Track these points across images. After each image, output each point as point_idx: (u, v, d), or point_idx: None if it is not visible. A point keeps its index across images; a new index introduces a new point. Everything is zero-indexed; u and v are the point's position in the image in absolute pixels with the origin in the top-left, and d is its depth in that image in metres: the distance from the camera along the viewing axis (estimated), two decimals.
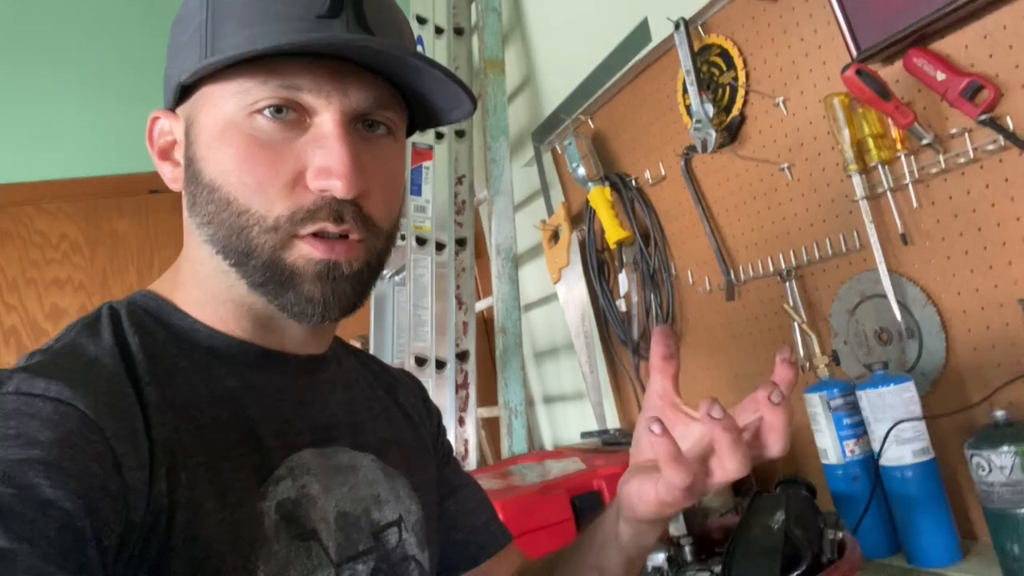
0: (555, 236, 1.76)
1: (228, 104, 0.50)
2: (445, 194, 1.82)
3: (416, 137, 1.78)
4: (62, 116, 2.08)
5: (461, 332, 1.81)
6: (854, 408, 0.99)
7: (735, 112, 1.20)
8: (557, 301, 1.86)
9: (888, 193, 0.99)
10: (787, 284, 1.16)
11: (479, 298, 1.99)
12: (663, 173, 1.41)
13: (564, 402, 2.08)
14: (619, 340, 1.61)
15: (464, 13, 1.93)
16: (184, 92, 0.53)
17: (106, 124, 2.10)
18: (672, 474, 0.50)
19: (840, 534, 0.72)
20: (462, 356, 1.79)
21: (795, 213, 1.15)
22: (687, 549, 0.84)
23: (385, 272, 2.00)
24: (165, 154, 0.56)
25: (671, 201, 1.41)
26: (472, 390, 1.78)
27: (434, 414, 0.74)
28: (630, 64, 1.39)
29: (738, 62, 1.18)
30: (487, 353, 2.23)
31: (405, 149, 0.58)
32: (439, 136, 1.83)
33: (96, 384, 0.45)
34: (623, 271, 1.54)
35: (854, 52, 0.95)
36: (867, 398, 0.95)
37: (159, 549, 0.44)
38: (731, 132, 1.22)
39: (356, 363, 0.68)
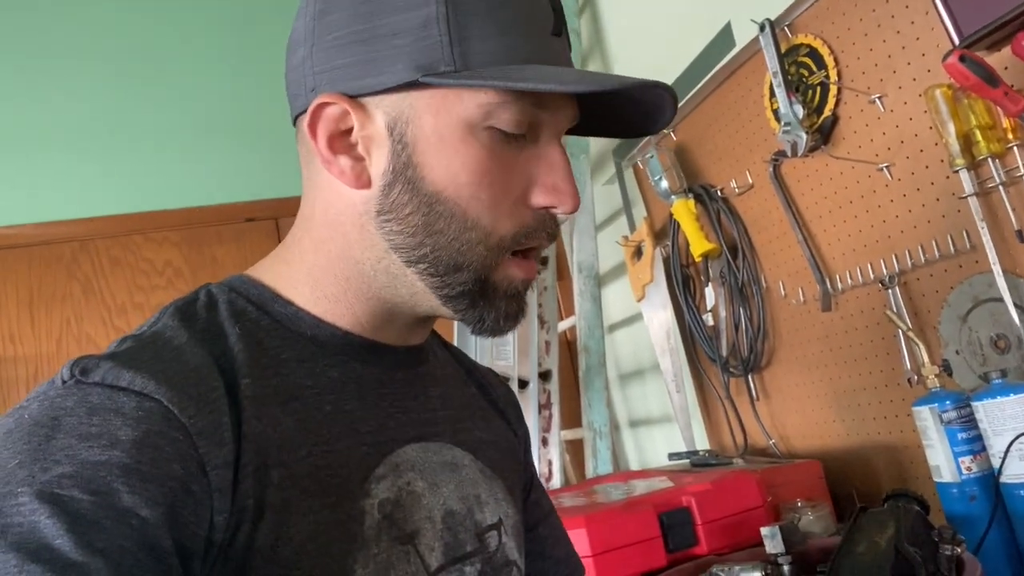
0: (638, 252, 1.72)
1: (470, 112, 0.47)
2: None
3: None
4: (167, 152, 2.23)
5: (543, 351, 1.79)
6: (970, 421, 0.91)
7: (827, 112, 1.15)
8: (642, 321, 1.82)
9: (1001, 188, 0.91)
10: (889, 291, 1.09)
11: (561, 318, 1.97)
12: (750, 182, 1.36)
13: (650, 425, 2.02)
14: (707, 357, 1.55)
15: None
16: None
17: (206, 158, 2.24)
18: None
19: (958, 550, 0.66)
20: (545, 376, 1.78)
21: (896, 215, 1.08)
22: (786, 568, 0.79)
23: None
24: (339, 145, 0.50)
25: (759, 210, 1.36)
26: (555, 410, 1.76)
27: (523, 426, 0.72)
28: (713, 71, 1.36)
29: (829, 60, 1.14)
30: (571, 374, 2.20)
31: None
32: None
33: (182, 375, 0.43)
34: (709, 285, 1.49)
35: (956, 39, 0.89)
36: (984, 409, 0.87)
37: (244, 550, 0.42)
38: (823, 134, 1.17)
39: (449, 356, 0.66)
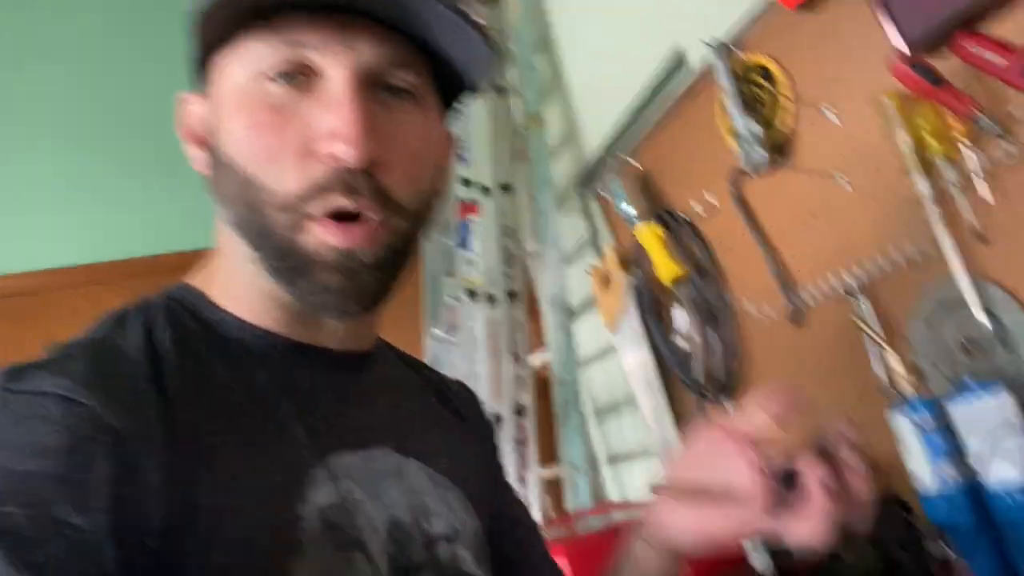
0: (606, 281, 1.71)
1: (237, 71, 0.48)
2: (494, 247, 1.81)
3: (462, 191, 1.79)
4: (127, 200, 2.20)
5: (518, 387, 1.76)
6: (947, 428, 0.90)
7: (783, 128, 1.16)
8: (616, 353, 1.80)
9: (956, 191, 0.92)
10: (857, 300, 1.08)
11: (533, 353, 1.94)
12: (713, 203, 1.36)
13: (631, 460, 1.98)
14: (682, 383, 1.53)
15: (503, 72, 1.97)
16: (205, 69, 0.51)
17: (168, 204, 2.21)
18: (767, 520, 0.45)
19: (945, 548, 0.63)
20: (519, 411, 1.74)
21: (857, 225, 1.08)
22: None
23: (437, 330, 2.00)
24: (195, 137, 0.53)
25: (724, 231, 1.36)
26: (532, 446, 1.72)
27: (488, 428, 0.69)
28: (669, 96, 1.37)
29: (780, 77, 1.15)
30: (546, 410, 2.16)
31: (437, 120, 0.54)
32: (485, 191, 1.84)
33: (113, 380, 0.43)
34: (679, 308, 1.48)
35: (901, 45, 0.91)
36: (959, 412, 0.86)
37: (176, 554, 0.40)
38: (780, 150, 1.17)
39: (404, 367, 0.64)
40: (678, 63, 1.33)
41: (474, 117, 1.87)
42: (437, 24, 0.48)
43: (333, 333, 0.53)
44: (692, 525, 0.51)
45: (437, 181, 0.54)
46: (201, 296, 0.52)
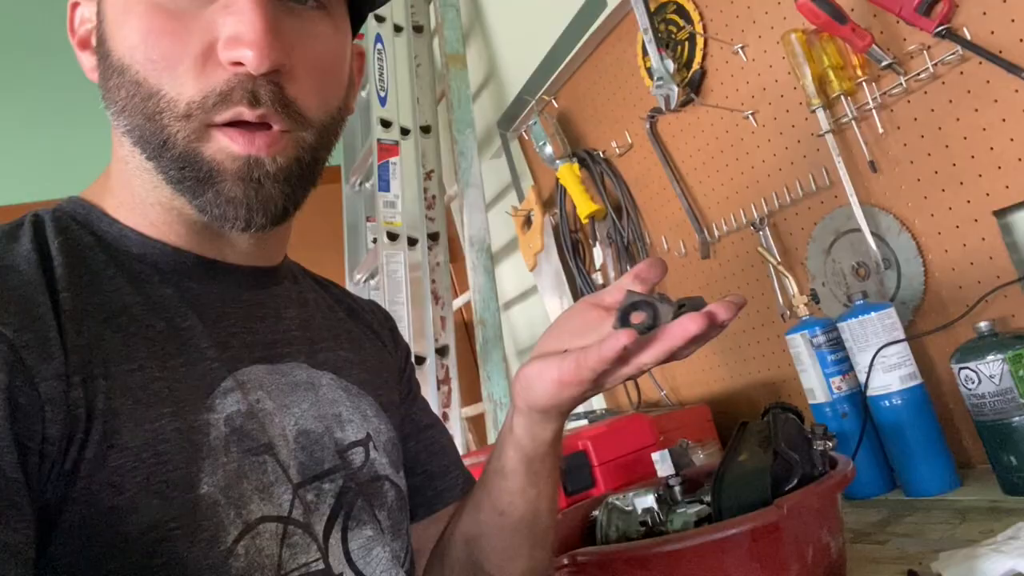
0: (528, 222, 1.74)
1: None
2: (415, 190, 1.80)
3: (380, 133, 1.76)
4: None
5: (440, 327, 1.77)
6: (837, 344, 0.97)
7: (696, 66, 1.20)
8: (536, 295, 1.83)
9: (853, 123, 0.98)
10: (760, 233, 1.15)
11: (455, 296, 1.96)
12: (630, 142, 1.40)
13: None
14: None
15: (423, 11, 1.93)
16: None
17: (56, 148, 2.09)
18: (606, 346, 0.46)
19: (830, 444, 0.69)
20: (441, 351, 1.76)
21: (763, 160, 1.14)
22: (676, 489, 0.81)
23: (358, 276, 1.99)
24: (85, 43, 0.50)
25: (640, 169, 1.40)
26: (455, 385, 1.74)
27: (401, 347, 0.70)
28: (587, 35, 1.39)
29: (694, 15, 1.18)
30: (468, 351, 2.19)
31: (347, 33, 0.52)
32: (405, 132, 1.81)
33: (5, 292, 0.41)
34: (597, 246, 1.52)
35: None
36: (848, 330, 0.93)
37: (76, 461, 0.40)
38: (693, 87, 1.21)
39: (315, 285, 0.64)
40: (597, 2, 1.34)
41: (394, 57, 1.83)
42: None
43: (239, 249, 0.52)
44: (544, 374, 0.50)
45: (345, 96, 0.52)
46: (94, 208, 0.50)
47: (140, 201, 0.50)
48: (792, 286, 1.05)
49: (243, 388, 0.48)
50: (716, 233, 1.25)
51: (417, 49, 1.90)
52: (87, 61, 0.50)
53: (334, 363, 0.57)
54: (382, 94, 1.81)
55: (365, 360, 0.61)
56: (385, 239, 1.75)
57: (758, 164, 1.15)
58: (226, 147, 0.45)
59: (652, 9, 1.23)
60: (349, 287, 2.08)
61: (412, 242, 1.77)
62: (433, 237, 1.81)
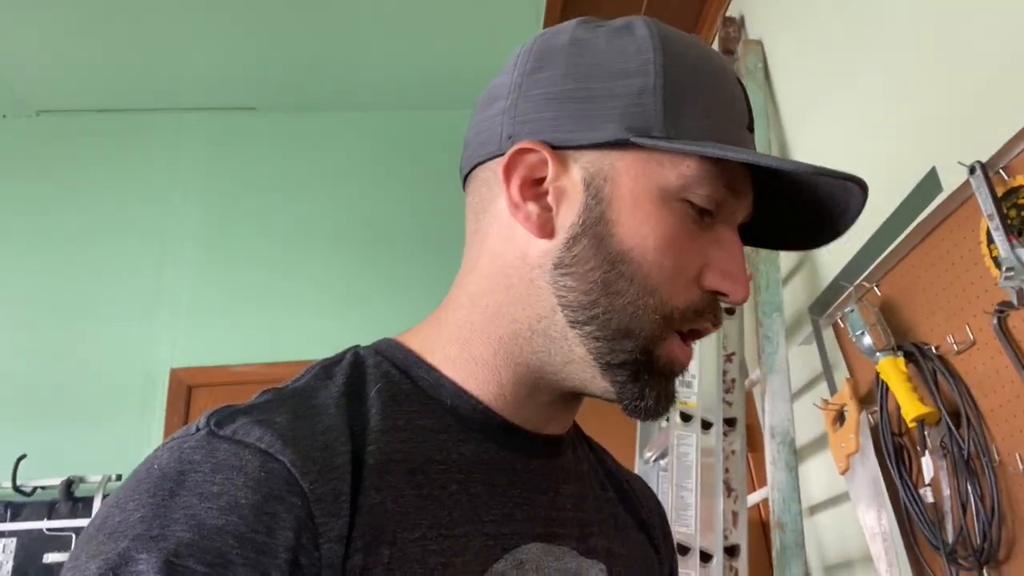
0: (840, 418, 1.56)
1: (669, 180, 0.48)
2: (713, 370, 1.74)
3: None
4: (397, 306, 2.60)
5: (730, 523, 1.62)
6: None
7: None
8: (848, 504, 1.60)
9: None
10: None
11: (751, 490, 1.79)
12: (972, 338, 1.21)
13: None
14: (928, 544, 1.32)
15: None
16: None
17: (405, 308, 2.50)
18: None
19: None
20: (731, 551, 1.60)
21: None
22: None
23: (648, 453, 1.94)
24: (529, 192, 0.50)
25: (985, 370, 1.19)
26: None
27: (669, 542, 0.65)
28: (920, 219, 1.27)
29: None
30: (763, 555, 1.96)
31: None
32: None
33: (311, 437, 0.43)
34: (927, 455, 1.30)
35: None
36: None
37: None
38: None
39: (589, 452, 0.62)
40: (931, 184, 1.23)
41: None
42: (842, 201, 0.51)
43: (539, 416, 0.53)
44: None
45: None
46: (412, 353, 0.52)
47: (478, 357, 0.51)
48: None
49: (520, 568, 0.48)
50: None
51: None
52: (531, 210, 0.50)
53: (602, 554, 0.54)
54: None
55: (632, 557, 0.58)
56: (678, 419, 1.70)
57: None
58: (673, 353, 0.49)
59: (1000, 194, 1.09)
60: (638, 464, 2.03)
61: (706, 425, 1.69)
62: (730, 422, 1.71)
